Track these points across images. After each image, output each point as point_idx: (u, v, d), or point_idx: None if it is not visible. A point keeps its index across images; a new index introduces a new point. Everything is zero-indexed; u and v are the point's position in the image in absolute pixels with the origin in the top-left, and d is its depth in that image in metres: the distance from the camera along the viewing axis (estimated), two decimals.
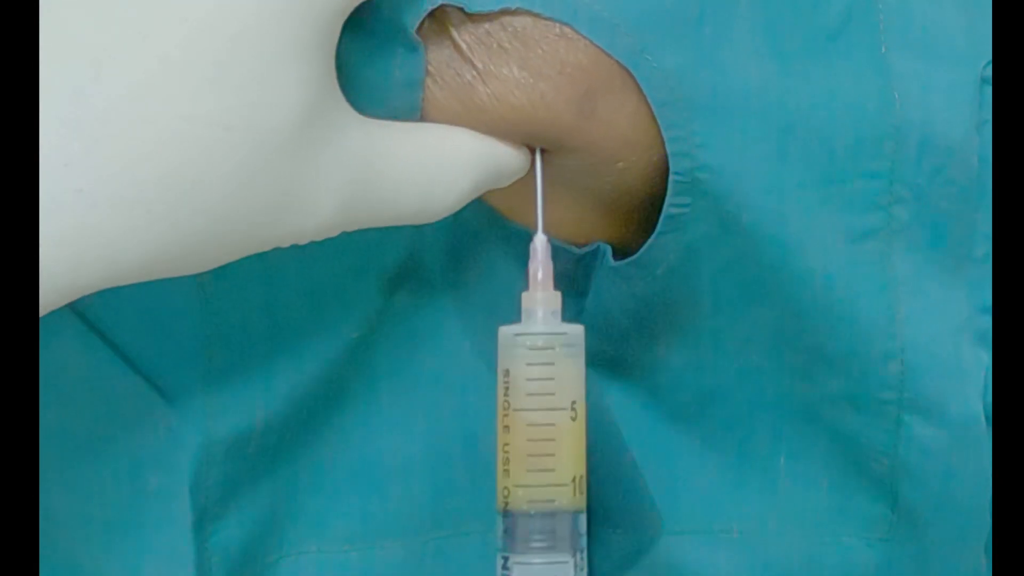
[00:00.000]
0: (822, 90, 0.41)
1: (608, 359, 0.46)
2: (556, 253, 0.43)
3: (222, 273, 0.40)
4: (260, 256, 0.40)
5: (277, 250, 0.40)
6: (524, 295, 0.42)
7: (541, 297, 0.42)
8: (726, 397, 0.46)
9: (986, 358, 0.43)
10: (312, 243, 0.40)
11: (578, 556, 0.41)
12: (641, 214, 0.43)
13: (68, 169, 0.35)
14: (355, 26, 0.39)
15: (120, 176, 0.36)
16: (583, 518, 0.41)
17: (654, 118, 0.41)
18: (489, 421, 0.43)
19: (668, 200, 0.42)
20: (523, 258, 0.43)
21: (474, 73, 0.40)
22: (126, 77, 0.36)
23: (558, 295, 0.42)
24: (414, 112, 0.41)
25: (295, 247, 0.40)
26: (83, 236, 0.36)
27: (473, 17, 0.40)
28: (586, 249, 0.45)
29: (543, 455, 0.41)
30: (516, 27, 0.40)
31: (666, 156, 0.41)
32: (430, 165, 0.40)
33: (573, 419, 0.41)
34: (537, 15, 0.40)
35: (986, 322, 0.43)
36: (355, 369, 0.46)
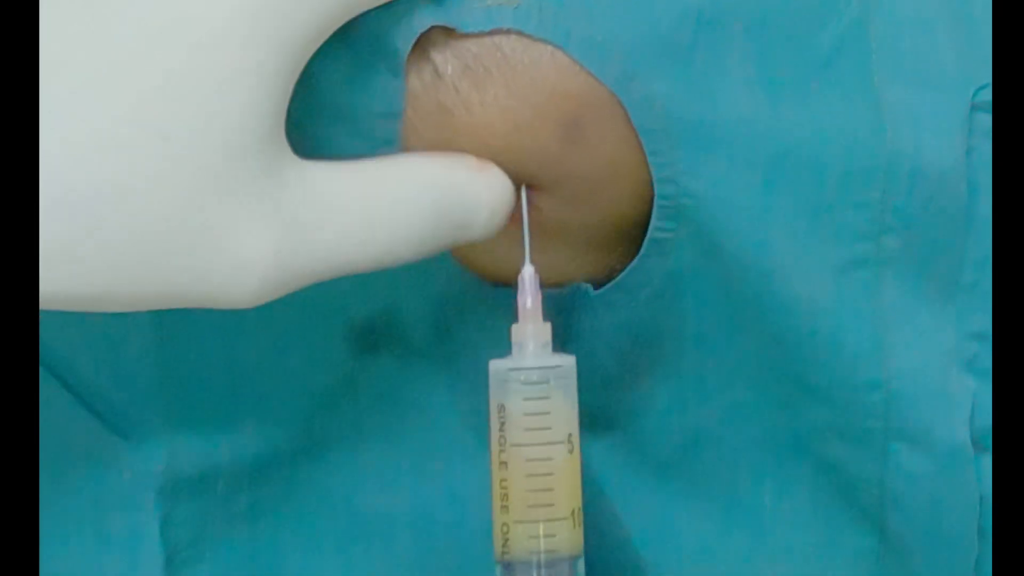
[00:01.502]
0: (812, 120, 0.41)
1: (592, 413, 0.45)
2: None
3: (179, 318, 0.39)
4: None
5: None
6: (514, 328, 0.41)
7: (531, 330, 0.41)
8: (711, 438, 0.46)
9: (973, 385, 0.43)
10: None
11: None
12: (627, 246, 0.43)
13: None
14: (334, 44, 0.38)
15: (47, 173, 0.34)
16: (581, 563, 0.41)
17: (641, 146, 0.40)
18: (475, 486, 0.44)
19: (652, 224, 0.41)
20: (509, 327, 0.42)
21: (456, 100, 0.39)
22: (68, 75, 0.34)
23: (548, 326, 0.41)
24: (392, 144, 0.40)
25: None
26: None
27: (460, 40, 0.39)
28: (567, 289, 0.44)
29: (542, 490, 0.40)
30: (505, 51, 0.39)
31: (652, 184, 0.41)
32: (380, 199, 0.38)
33: (570, 452, 0.40)
34: (529, 36, 0.39)
35: (974, 348, 0.43)
36: (340, 428, 0.46)
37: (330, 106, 0.39)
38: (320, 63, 0.38)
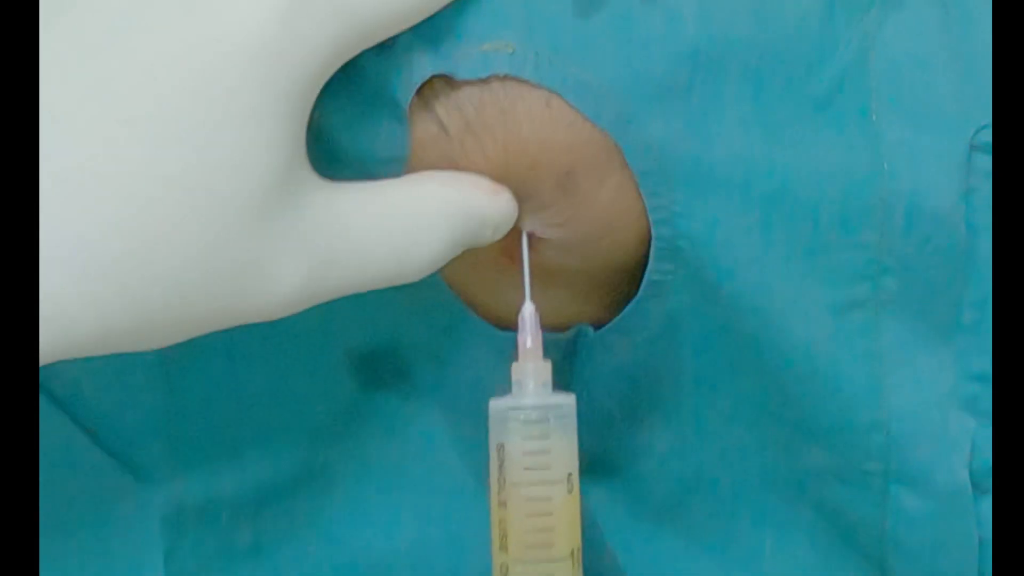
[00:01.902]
0: (810, 160, 0.41)
1: (591, 455, 0.45)
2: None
3: (184, 347, 0.39)
4: (223, 333, 0.38)
5: (239, 327, 0.39)
6: (514, 366, 0.41)
7: (531, 368, 0.41)
8: (710, 481, 0.46)
9: (973, 425, 0.43)
10: (275, 322, 0.39)
11: None
12: (627, 288, 0.43)
13: None
14: (338, 93, 0.38)
15: (74, 237, 0.34)
16: None
17: (639, 191, 0.40)
18: (475, 526, 0.44)
19: (650, 266, 0.41)
20: (509, 365, 0.42)
21: (460, 154, 0.40)
22: (87, 134, 0.34)
23: (548, 365, 0.41)
24: None
25: (258, 325, 0.38)
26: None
27: (459, 90, 0.39)
28: (569, 333, 0.44)
29: (541, 530, 0.40)
30: (503, 104, 0.39)
31: (650, 228, 0.41)
32: (400, 226, 0.39)
33: (569, 491, 0.40)
34: (525, 83, 0.39)
35: (974, 390, 0.43)
36: (343, 463, 0.46)
37: (337, 152, 0.39)
38: (326, 110, 0.39)
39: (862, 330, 0.42)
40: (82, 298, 0.35)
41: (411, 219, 0.39)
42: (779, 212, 0.41)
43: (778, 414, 0.44)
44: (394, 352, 0.45)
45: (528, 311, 0.41)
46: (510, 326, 0.43)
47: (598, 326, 0.43)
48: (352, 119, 0.39)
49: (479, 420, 0.44)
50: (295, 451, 0.45)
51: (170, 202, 0.34)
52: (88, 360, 0.38)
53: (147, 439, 0.44)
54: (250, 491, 0.45)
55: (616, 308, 0.43)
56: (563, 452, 0.40)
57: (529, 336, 0.41)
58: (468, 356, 0.44)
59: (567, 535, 0.40)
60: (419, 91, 0.39)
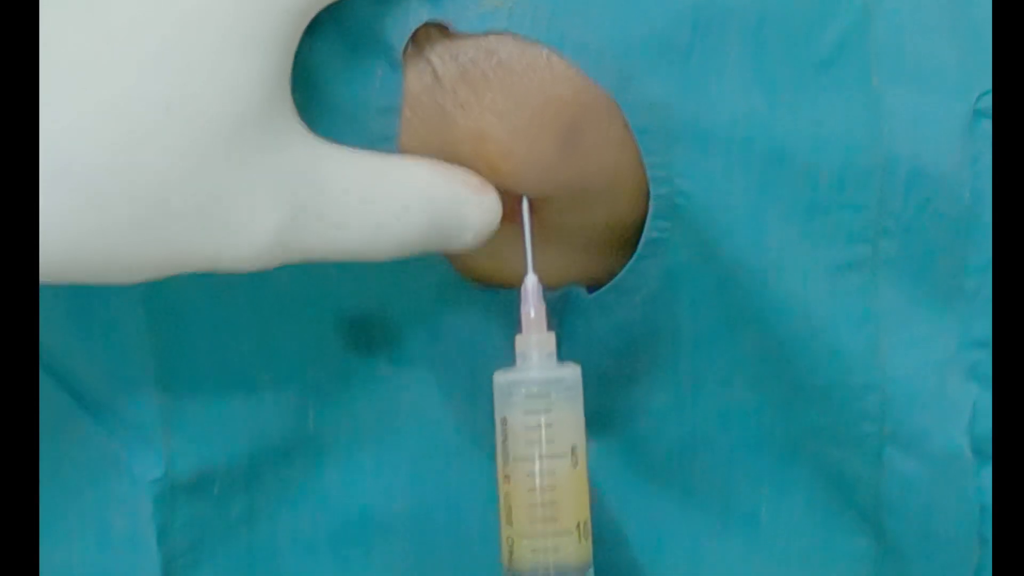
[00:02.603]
0: (809, 121, 0.41)
1: (588, 415, 0.45)
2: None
3: (172, 314, 0.40)
4: (211, 298, 0.39)
5: (228, 292, 0.39)
6: (518, 338, 0.41)
7: (535, 340, 0.41)
8: (707, 441, 0.46)
9: (975, 392, 0.43)
10: (264, 285, 0.39)
11: None
12: (625, 250, 0.42)
13: None
14: (333, 38, 0.38)
15: (47, 148, 0.34)
16: (591, 573, 0.40)
17: (638, 149, 0.40)
18: (471, 488, 0.44)
19: (648, 223, 0.41)
20: (503, 331, 0.42)
21: (454, 103, 0.39)
22: (66, 50, 0.34)
23: (552, 336, 0.41)
24: (389, 141, 0.39)
25: (246, 289, 0.39)
26: None
27: (456, 42, 0.39)
28: (560, 292, 0.44)
29: (545, 504, 0.40)
30: (501, 56, 0.39)
31: (649, 186, 0.41)
32: (381, 196, 0.38)
33: (574, 465, 0.40)
34: (523, 39, 0.39)
35: (976, 356, 0.43)
36: (335, 429, 0.45)
37: (328, 100, 0.39)
38: (317, 56, 0.38)
39: (860, 292, 0.42)
40: (53, 208, 0.34)
41: (392, 193, 0.38)
42: (778, 172, 0.41)
43: (775, 374, 0.44)
44: (385, 316, 0.44)
45: (531, 282, 0.41)
46: (502, 284, 0.43)
47: (593, 288, 0.43)
48: (345, 66, 0.39)
49: (472, 383, 0.44)
50: (286, 418, 0.45)
51: (150, 119, 0.34)
52: (80, 333, 0.39)
53: (137, 411, 0.44)
54: (242, 460, 0.45)
55: (613, 270, 0.43)
56: (566, 425, 0.40)
57: (532, 308, 0.41)
58: (459, 319, 0.44)
59: (572, 508, 0.40)
60: (414, 40, 0.39)
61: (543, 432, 0.40)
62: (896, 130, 0.41)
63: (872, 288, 0.42)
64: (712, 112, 0.40)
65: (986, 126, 0.42)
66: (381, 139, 0.39)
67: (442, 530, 0.47)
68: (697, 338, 0.44)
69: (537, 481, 0.40)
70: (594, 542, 0.44)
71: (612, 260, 0.43)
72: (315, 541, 0.47)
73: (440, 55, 0.39)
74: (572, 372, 0.40)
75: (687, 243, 0.42)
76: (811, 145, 0.41)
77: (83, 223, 0.35)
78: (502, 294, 0.43)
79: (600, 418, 0.46)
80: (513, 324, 0.42)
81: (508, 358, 0.42)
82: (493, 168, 0.40)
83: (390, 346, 0.45)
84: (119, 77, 0.34)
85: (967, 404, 0.43)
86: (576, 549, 0.40)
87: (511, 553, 0.40)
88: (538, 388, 0.40)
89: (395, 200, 0.38)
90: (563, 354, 0.42)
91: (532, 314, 0.41)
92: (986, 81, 0.42)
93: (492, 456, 0.43)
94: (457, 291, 0.44)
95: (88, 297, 0.42)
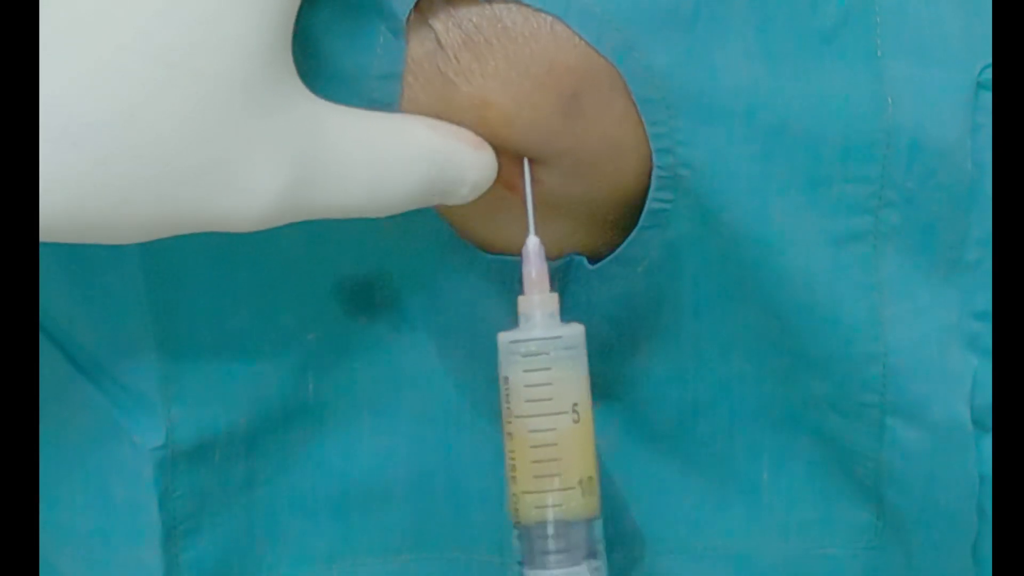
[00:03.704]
0: (813, 92, 0.41)
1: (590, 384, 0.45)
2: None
3: (172, 281, 0.40)
4: (210, 264, 0.39)
5: (227, 259, 0.39)
6: (520, 299, 0.41)
7: (538, 300, 0.41)
8: (708, 409, 0.46)
9: (976, 362, 0.43)
10: (264, 251, 0.39)
11: (594, 563, 0.40)
12: (628, 222, 0.42)
13: None
14: (334, 4, 0.38)
15: (51, 99, 0.34)
16: (598, 524, 0.40)
17: (642, 121, 0.40)
18: (472, 456, 0.44)
19: (650, 195, 0.41)
20: (504, 295, 0.42)
21: (457, 69, 0.39)
22: (68, 6, 0.34)
23: (555, 297, 0.41)
24: (390, 107, 0.40)
25: (246, 255, 0.39)
26: None
27: (459, 8, 0.39)
28: (559, 261, 0.44)
29: (547, 460, 0.40)
30: (505, 23, 0.39)
31: (652, 158, 0.41)
32: (380, 153, 0.38)
33: (576, 422, 0.40)
34: (528, 6, 0.39)
35: (978, 327, 0.43)
36: (334, 394, 0.45)
37: (330, 66, 0.39)
38: (320, 22, 0.38)
39: (862, 262, 0.42)
40: (55, 165, 0.34)
41: (392, 151, 0.39)
42: (781, 143, 0.41)
43: (776, 344, 0.44)
44: (385, 281, 0.44)
45: (532, 243, 0.41)
46: (503, 251, 0.43)
47: (595, 259, 0.43)
48: (347, 32, 0.39)
49: (471, 347, 0.44)
50: (286, 383, 0.45)
51: (151, 77, 0.34)
52: (80, 300, 0.39)
53: (137, 379, 0.44)
54: (243, 426, 0.45)
55: (615, 243, 0.43)
56: (568, 383, 0.40)
57: (534, 269, 0.41)
58: (459, 283, 0.44)
59: (575, 464, 0.40)
60: (417, 7, 0.39)
61: (543, 390, 0.40)
62: (899, 101, 0.41)
63: (874, 259, 0.43)
64: (715, 82, 0.40)
65: (988, 98, 0.42)
66: (382, 105, 0.40)
67: (442, 494, 0.47)
68: (698, 308, 0.44)
69: (539, 438, 0.40)
70: None
71: (614, 233, 0.43)
72: (315, 506, 0.47)
73: (443, 21, 0.39)
74: (572, 330, 0.41)
75: (690, 214, 0.42)
76: (814, 116, 0.41)
77: (87, 181, 0.35)
78: (502, 259, 0.43)
79: (601, 385, 0.46)
80: (514, 289, 0.42)
81: (509, 323, 0.42)
82: (495, 134, 0.40)
83: (390, 311, 0.45)
84: (120, 34, 0.34)
85: (968, 375, 0.43)
86: (580, 504, 0.40)
87: (516, 509, 0.40)
88: (537, 346, 0.40)
89: (396, 156, 0.39)
90: (563, 318, 0.42)
91: (533, 274, 0.41)
92: (988, 53, 0.42)
93: (492, 420, 0.44)
94: (457, 256, 0.44)
95: (89, 264, 0.42)
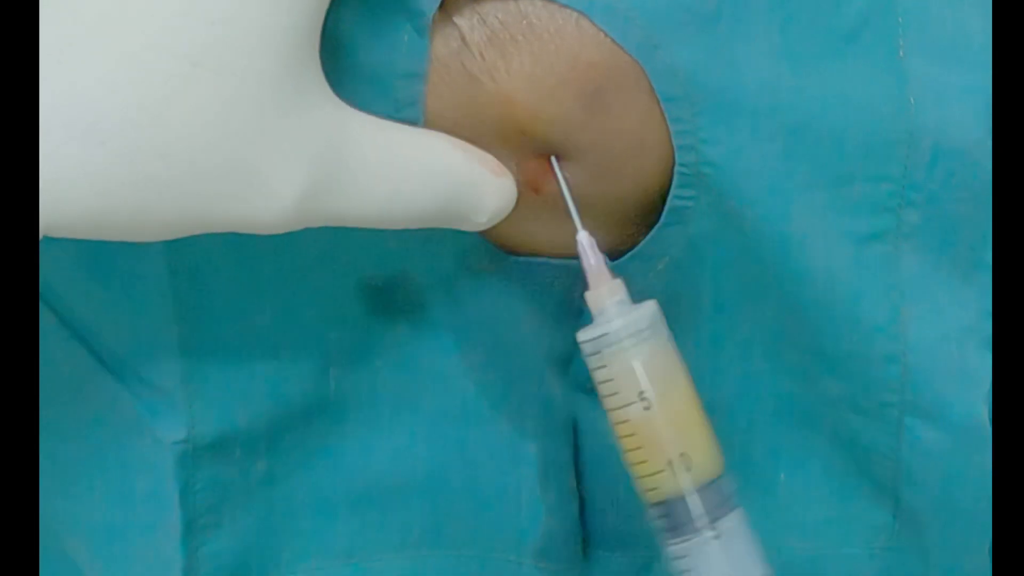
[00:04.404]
0: (835, 92, 0.41)
1: None
2: (543, 269, 0.43)
3: (195, 278, 0.40)
4: (234, 262, 0.39)
5: (251, 256, 0.39)
6: (587, 294, 0.41)
7: (606, 290, 0.41)
8: (726, 407, 0.45)
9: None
10: (286, 250, 0.39)
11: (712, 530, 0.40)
12: (649, 220, 0.42)
13: None
14: (360, 3, 0.38)
15: (78, 97, 0.33)
16: (711, 489, 0.40)
17: (665, 118, 0.40)
18: (489, 455, 0.44)
19: (672, 192, 0.41)
20: (525, 296, 0.42)
21: (482, 67, 0.39)
22: (95, 3, 0.34)
23: (620, 283, 0.41)
24: (414, 106, 0.39)
25: (269, 253, 0.39)
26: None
27: (484, 5, 0.39)
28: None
29: (633, 449, 0.39)
30: (531, 19, 0.39)
31: (674, 154, 0.41)
32: (401, 164, 0.38)
33: (646, 408, 0.39)
34: (552, 3, 0.39)
35: None
36: (354, 392, 0.45)
37: (355, 65, 0.38)
38: (345, 21, 0.38)
39: (882, 262, 0.43)
40: (82, 162, 0.34)
41: (413, 163, 0.38)
42: (803, 142, 0.41)
43: (796, 343, 0.44)
44: (406, 281, 0.44)
45: (584, 237, 0.41)
46: (527, 253, 0.43)
47: (616, 256, 0.43)
48: (372, 31, 0.38)
49: (492, 348, 0.44)
50: (307, 381, 0.44)
51: (176, 74, 0.34)
52: (104, 297, 0.39)
53: (160, 374, 0.43)
54: (263, 423, 0.44)
55: (635, 238, 0.43)
56: (626, 376, 0.39)
57: (592, 261, 0.41)
58: (481, 284, 0.44)
59: (659, 449, 0.39)
60: (442, 6, 0.38)
61: (608, 385, 0.40)
62: (921, 102, 0.42)
63: (895, 259, 0.43)
64: (739, 80, 0.40)
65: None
66: (406, 104, 0.39)
67: (459, 493, 0.46)
68: (719, 305, 0.44)
69: (621, 429, 0.40)
70: (608, 506, 0.45)
71: (635, 230, 0.43)
72: (334, 503, 0.46)
73: (468, 19, 0.39)
74: (633, 318, 0.40)
75: (711, 211, 0.42)
76: (837, 115, 0.41)
77: (113, 178, 0.34)
78: (526, 261, 0.43)
79: None
80: (534, 290, 0.42)
81: (530, 323, 0.42)
82: (519, 131, 0.40)
83: (411, 311, 0.44)
84: (146, 32, 0.34)
85: (986, 375, 0.44)
86: (674, 483, 0.39)
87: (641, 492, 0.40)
88: (589, 348, 0.40)
89: (416, 169, 0.38)
90: (584, 319, 0.42)
91: (593, 264, 0.41)
92: None
93: (510, 419, 0.44)
94: (480, 257, 0.43)
95: (112, 260, 0.41)
